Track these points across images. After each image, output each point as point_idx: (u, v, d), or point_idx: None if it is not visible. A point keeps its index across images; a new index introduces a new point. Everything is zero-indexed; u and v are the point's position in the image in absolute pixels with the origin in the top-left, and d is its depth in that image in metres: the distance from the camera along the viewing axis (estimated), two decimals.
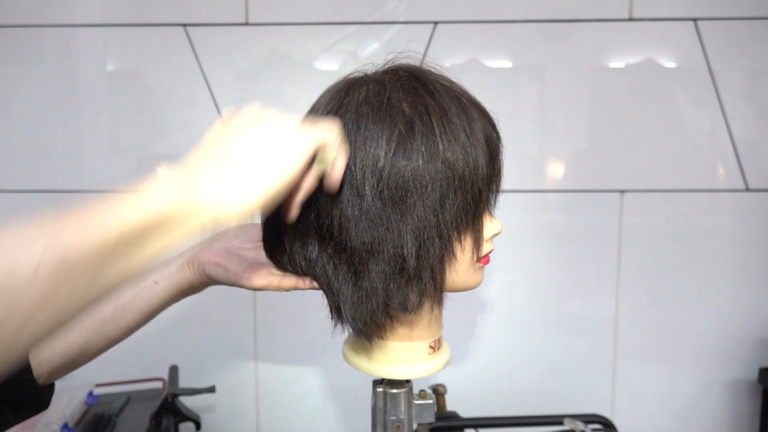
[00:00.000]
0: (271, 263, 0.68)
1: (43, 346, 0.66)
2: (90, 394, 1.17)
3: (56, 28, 1.23)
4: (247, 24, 1.23)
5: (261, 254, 0.69)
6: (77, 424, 1.09)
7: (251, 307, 1.30)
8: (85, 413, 1.14)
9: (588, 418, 1.10)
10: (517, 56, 1.24)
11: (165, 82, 1.25)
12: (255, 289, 0.68)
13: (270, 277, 0.67)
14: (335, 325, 0.67)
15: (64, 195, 1.27)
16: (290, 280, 0.67)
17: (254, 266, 0.69)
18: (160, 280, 0.70)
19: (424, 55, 1.23)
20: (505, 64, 1.25)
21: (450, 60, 1.25)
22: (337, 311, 0.64)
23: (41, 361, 0.66)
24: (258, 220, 0.70)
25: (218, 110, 1.25)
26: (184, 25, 1.23)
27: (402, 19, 1.23)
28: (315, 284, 0.66)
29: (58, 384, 1.20)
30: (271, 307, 1.30)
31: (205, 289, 0.75)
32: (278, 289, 0.67)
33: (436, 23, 1.23)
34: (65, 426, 1.04)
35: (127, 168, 1.27)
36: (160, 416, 1.09)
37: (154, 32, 1.23)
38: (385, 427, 0.71)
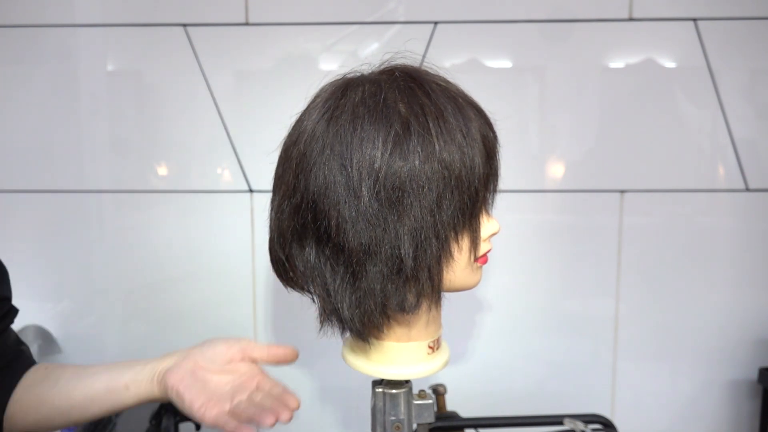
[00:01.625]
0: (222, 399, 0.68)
1: (19, 412, 0.73)
2: None
3: (56, 28, 1.23)
4: (247, 24, 1.23)
5: (225, 380, 0.69)
6: None
7: (251, 307, 1.30)
8: None
9: (588, 418, 1.10)
10: (517, 56, 1.24)
11: (165, 82, 1.25)
12: (206, 425, 0.68)
13: (223, 417, 0.66)
14: (321, 327, 0.68)
15: (64, 195, 1.27)
16: (243, 429, 0.65)
17: (211, 401, 0.67)
18: (131, 387, 0.71)
19: (424, 55, 1.23)
20: (505, 64, 1.25)
21: (450, 60, 1.25)
22: (334, 313, 0.64)
23: (13, 422, 0.73)
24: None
25: (218, 110, 1.25)
26: (184, 25, 1.23)
27: (402, 19, 1.23)
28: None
29: None
30: (270, 307, 1.30)
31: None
32: (226, 429, 0.66)
33: (436, 23, 1.23)
34: None
35: (127, 168, 1.27)
36: (160, 416, 1.09)
37: (154, 32, 1.23)
38: (384, 428, 0.71)
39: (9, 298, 0.77)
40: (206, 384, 0.68)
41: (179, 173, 1.27)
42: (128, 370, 0.72)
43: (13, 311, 0.78)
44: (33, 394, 0.73)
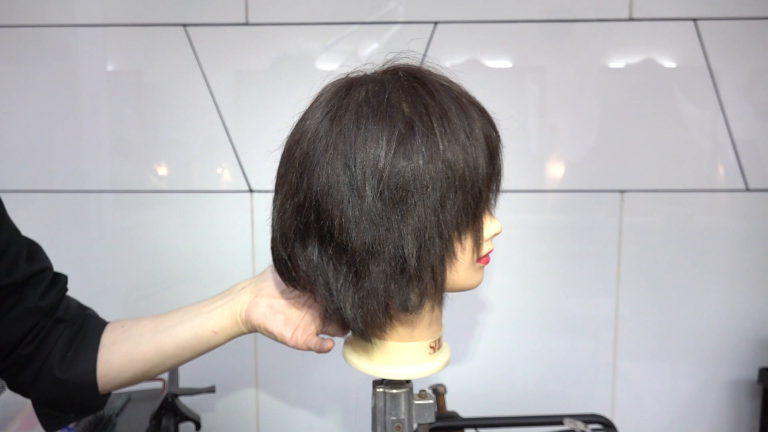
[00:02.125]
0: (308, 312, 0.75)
1: (112, 371, 0.76)
2: None
3: (56, 28, 1.23)
4: (247, 24, 1.23)
5: (300, 303, 0.76)
6: (77, 423, 1.09)
7: None
8: None
9: (588, 418, 1.10)
10: (517, 56, 1.24)
11: (165, 82, 1.25)
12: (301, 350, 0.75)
13: (312, 340, 0.74)
14: (323, 326, 0.69)
15: (64, 195, 1.27)
16: (329, 343, 0.74)
17: (298, 329, 0.75)
18: (219, 332, 0.77)
19: (424, 55, 1.23)
20: (505, 64, 1.25)
21: (450, 60, 1.25)
22: (337, 312, 0.64)
23: (107, 381, 0.76)
24: None
25: (218, 110, 1.25)
26: (184, 25, 1.23)
27: (402, 19, 1.23)
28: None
29: None
30: None
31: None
32: (320, 351, 0.74)
33: (436, 23, 1.23)
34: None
35: (127, 168, 1.27)
36: (160, 416, 1.09)
37: (154, 32, 1.23)
38: (385, 428, 0.71)
39: (50, 267, 0.78)
40: (287, 315, 0.75)
41: (179, 173, 1.27)
42: (207, 317, 0.77)
43: (62, 278, 0.79)
44: (121, 353, 0.76)
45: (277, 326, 0.74)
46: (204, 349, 0.78)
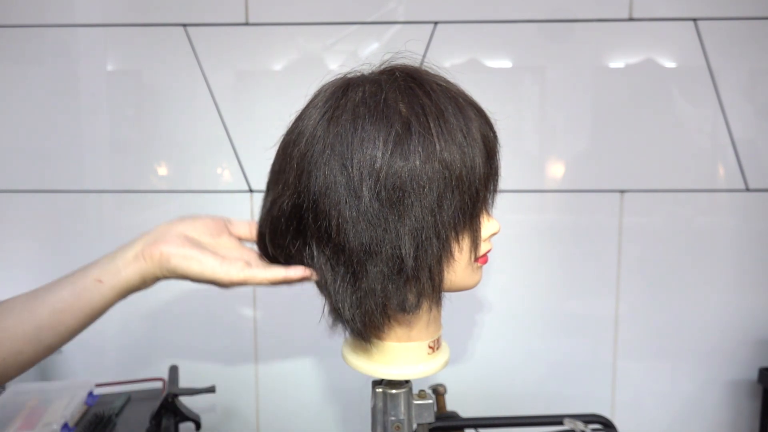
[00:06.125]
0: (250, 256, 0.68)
1: None
2: (90, 394, 1.17)
3: (56, 28, 1.23)
4: (247, 24, 1.23)
5: (221, 250, 0.67)
6: (77, 424, 1.09)
7: (251, 306, 1.30)
8: (85, 413, 1.14)
9: (588, 418, 1.10)
10: (517, 56, 1.24)
11: (165, 82, 1.25)
12: (230, 285, 0.64)
13: (250, 269, 0.64)
14: (333, 326, 0.67)
15: (64, 195, 1.27)
16: (278, 271, 0.63)
17: (227, 258, 0.64)
18: (104, 278, 0.62)
19: (424, 55, 1.23)
20: (505, 64, 1.25)
21: (450, 60, 1.25)
22: (335, 312, 0.64)
23: None
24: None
25: (218, 110, 1.25)
26: (184, 25, 1.23)
27: (402, 19, 1.23)
28: (307, 273, 0.63)
29: (58, 384, 1.20)
30: (271, 306, 1.30)
31: (153, 285, 0.67)
32: (262, 282, 0.63)
33: (436, 23, 1.23)
34: (65, 426, 1.04)
35: (127, 168, 1.27)
36: (160, 416, 1.09)
37: (154, 32, 1.23)
38: (384, 428, 0.71)
39: None
40: (213, 249, 0.65)
41: (179, 173, 1.27)
42: (93, 267, 0.63)
43: None
44: None
45: (204, 256, 0.63)
46: (87, 310, 0.61)
